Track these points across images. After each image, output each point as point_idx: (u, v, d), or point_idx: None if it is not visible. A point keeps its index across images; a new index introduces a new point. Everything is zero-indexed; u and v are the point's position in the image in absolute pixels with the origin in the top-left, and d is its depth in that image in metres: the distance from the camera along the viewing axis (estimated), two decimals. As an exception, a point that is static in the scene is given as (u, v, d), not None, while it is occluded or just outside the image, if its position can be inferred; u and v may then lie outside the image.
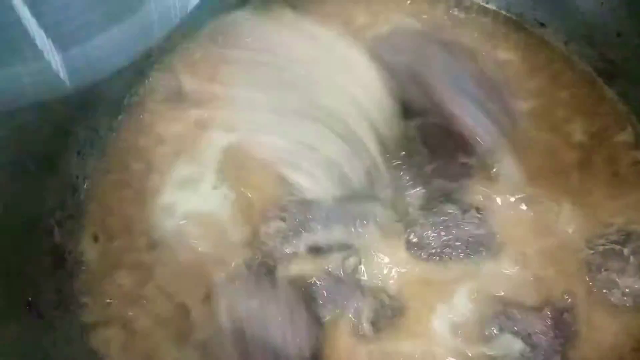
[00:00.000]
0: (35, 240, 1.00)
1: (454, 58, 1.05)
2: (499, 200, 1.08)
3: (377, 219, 1.03)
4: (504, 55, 1.30)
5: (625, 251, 1.03)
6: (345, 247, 1.02)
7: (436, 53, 1.05)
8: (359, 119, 0.98)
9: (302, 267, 1.03)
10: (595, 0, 1.24)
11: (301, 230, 1.03)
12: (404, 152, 1.07)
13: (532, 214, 1.08)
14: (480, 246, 1.02)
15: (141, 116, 1.24)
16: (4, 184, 0.95)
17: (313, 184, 1.00)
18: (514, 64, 1.28)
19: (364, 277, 1.03)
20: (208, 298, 1.01)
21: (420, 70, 1.02)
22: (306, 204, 1.05)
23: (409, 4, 1.36)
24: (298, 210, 1.04)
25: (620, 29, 1.22)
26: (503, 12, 1.37)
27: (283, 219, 1.05)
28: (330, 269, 1.01)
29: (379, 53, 1.03)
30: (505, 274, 1.03)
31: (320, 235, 1.03)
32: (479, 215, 1.02)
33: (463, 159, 1.04)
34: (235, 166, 1.15)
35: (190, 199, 1.13)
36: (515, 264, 1.03)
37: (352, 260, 1.01)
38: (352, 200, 1.04)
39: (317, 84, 1.01)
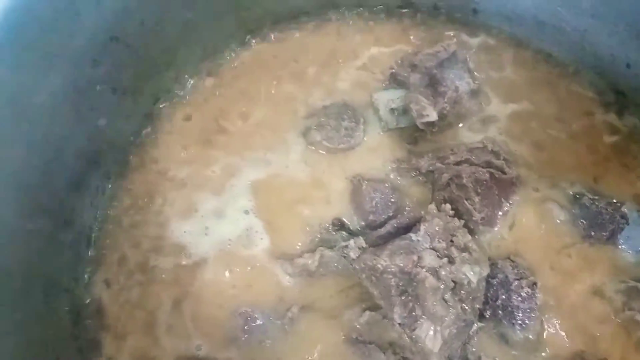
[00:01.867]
0: (54, 303, 0.97)
1: None
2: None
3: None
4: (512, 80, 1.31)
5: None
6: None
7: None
8: None
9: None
10: (603, 31, 1.23)
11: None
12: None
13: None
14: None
15: (152, 158, 1.20)
16: (22, 247, 0.92)
17: None
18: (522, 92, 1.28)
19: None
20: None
21: None
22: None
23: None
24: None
25: (629, 60, 1.22)
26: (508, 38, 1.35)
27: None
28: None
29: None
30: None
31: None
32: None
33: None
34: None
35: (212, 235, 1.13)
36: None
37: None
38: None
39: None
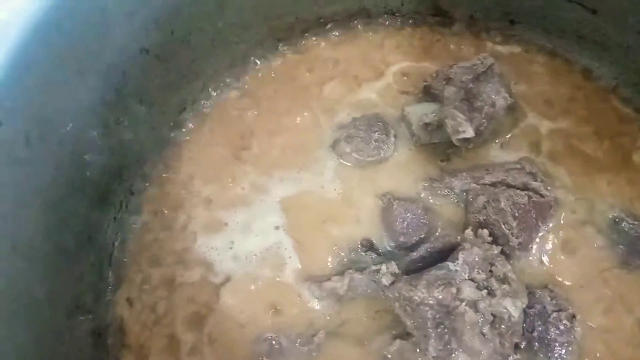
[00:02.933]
0: (76, 323, 0.95)
1: None
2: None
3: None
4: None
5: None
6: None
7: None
8: None
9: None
10: (646, 47, 1.18)
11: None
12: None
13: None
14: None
15: (177, 172, 1.17)
16: (45, 266, 0.89)
17: None
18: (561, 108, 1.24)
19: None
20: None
21: None
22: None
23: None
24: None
25: (672, 78, 1.17)
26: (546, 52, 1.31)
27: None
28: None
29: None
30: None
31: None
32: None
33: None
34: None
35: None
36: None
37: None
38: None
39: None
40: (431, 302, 0.90)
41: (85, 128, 0.95)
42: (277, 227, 1.12)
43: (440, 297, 0.89)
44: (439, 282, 0.91)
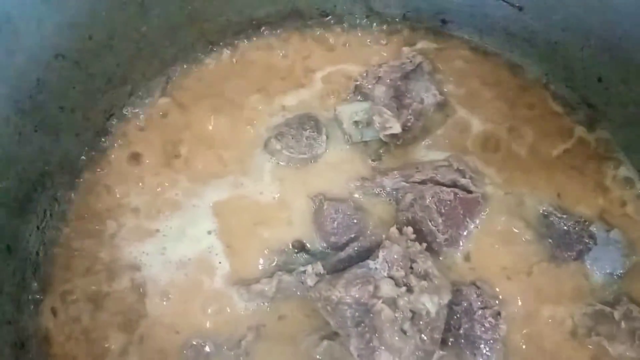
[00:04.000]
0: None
1: None
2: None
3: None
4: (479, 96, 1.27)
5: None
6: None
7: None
8: None
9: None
10: (575, 44, 1.19)
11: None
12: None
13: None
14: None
15: (104, 178, 1.16)
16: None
17: None
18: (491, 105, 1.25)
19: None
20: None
21: None
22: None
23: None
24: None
25: (601, 74, 1.19)
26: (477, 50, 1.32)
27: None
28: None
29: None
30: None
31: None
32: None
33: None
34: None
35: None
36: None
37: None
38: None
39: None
40: (349, 300, 0.89)
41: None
42: (209, 232, 1.11)
43: (357, 295, 0.89)
44: (357, 281, 0.91)
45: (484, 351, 0.98)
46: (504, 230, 1.11)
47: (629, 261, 1.07)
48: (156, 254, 1.09)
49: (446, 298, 0.93)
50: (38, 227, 1.06)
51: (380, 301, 0.88)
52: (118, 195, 1.14)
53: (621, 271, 1.07)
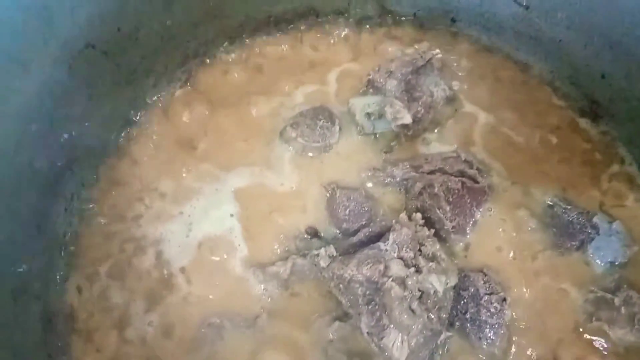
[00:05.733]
0: (24, 309, 0.98)
1: None
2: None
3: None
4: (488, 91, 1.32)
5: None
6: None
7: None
8: None
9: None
10: (579, 42, 1.24)
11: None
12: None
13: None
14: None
15: (130, 165, 1.21)
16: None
17: None
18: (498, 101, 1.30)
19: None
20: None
21: None
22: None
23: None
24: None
25: (604, 70, 1.24)
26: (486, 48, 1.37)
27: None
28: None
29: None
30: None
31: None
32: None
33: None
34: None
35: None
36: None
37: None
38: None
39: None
40: (360, 278, 0.94)
41: (32, 120, 0.98)
42: (231, 215, 1.16)
43: (368, 274, 0.94)
44: (369, 260, 0.95)
45: (489, 335, 1.02)
46: (509, 219, 1.15)
47: (629, 251, 1.10)
48: (180, 234, 1.14)
49: (453, 280, 0.98)
50: (66, 209, 1.11)
51: (390, 279, 0.93)
52: (143, 181, 1.18)
53: (622, 260, 1.10)
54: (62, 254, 1.10)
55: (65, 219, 1.11)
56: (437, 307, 0.95)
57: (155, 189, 1.19)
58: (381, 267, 0.94)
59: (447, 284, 0.95)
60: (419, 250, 0.98)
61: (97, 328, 1.06)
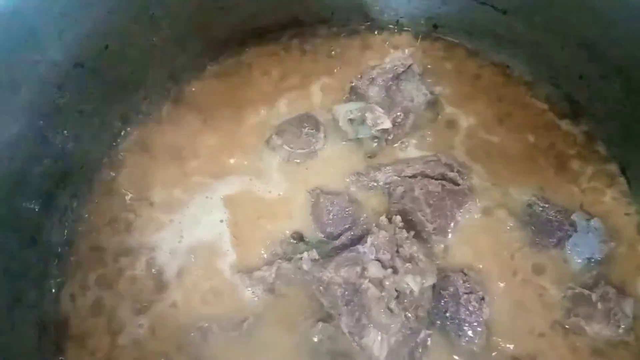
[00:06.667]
0: (19, 318, 1.02)
1: None
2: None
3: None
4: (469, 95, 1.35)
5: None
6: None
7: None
8: None
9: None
10: (556, 44, 1.27)
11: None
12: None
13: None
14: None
15: (122, 177, 1.26)
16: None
17: None
18: (480, 104, 1.32)
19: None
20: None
21: None
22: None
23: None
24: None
25: (582, 71, 1.26)
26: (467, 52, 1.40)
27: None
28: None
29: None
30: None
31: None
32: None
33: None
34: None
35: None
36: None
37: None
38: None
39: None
40: (339, 280, 0.98)
41: (23, 137, 1.03)
42: (221, 221, 1.20)
43: (346, 275, 0.97)
44: (347, 263, 0.99)
45: (468, 332, 1.05)
46: (488, 219, 1.18)
47: (607, 247, 1.13)
48: (171, 241, 1.18)
49: (430, 280, 1.01)
50: (60, 221, 1.16)
51: (367, 280, 0.97)
52: (135, 191, 1.23)
53: (599, 256, 1.12)
54: (57, 263, 1.14)
55: (59, 229, 1.16)
56: (414, 306, 0.98)
57: (146, 199, 1.23)
58: (358, 268, 0.98)
59: (423, 283, 0.98)
60: (397, 251, 1.02)
61: (91, 334, 1.10)
